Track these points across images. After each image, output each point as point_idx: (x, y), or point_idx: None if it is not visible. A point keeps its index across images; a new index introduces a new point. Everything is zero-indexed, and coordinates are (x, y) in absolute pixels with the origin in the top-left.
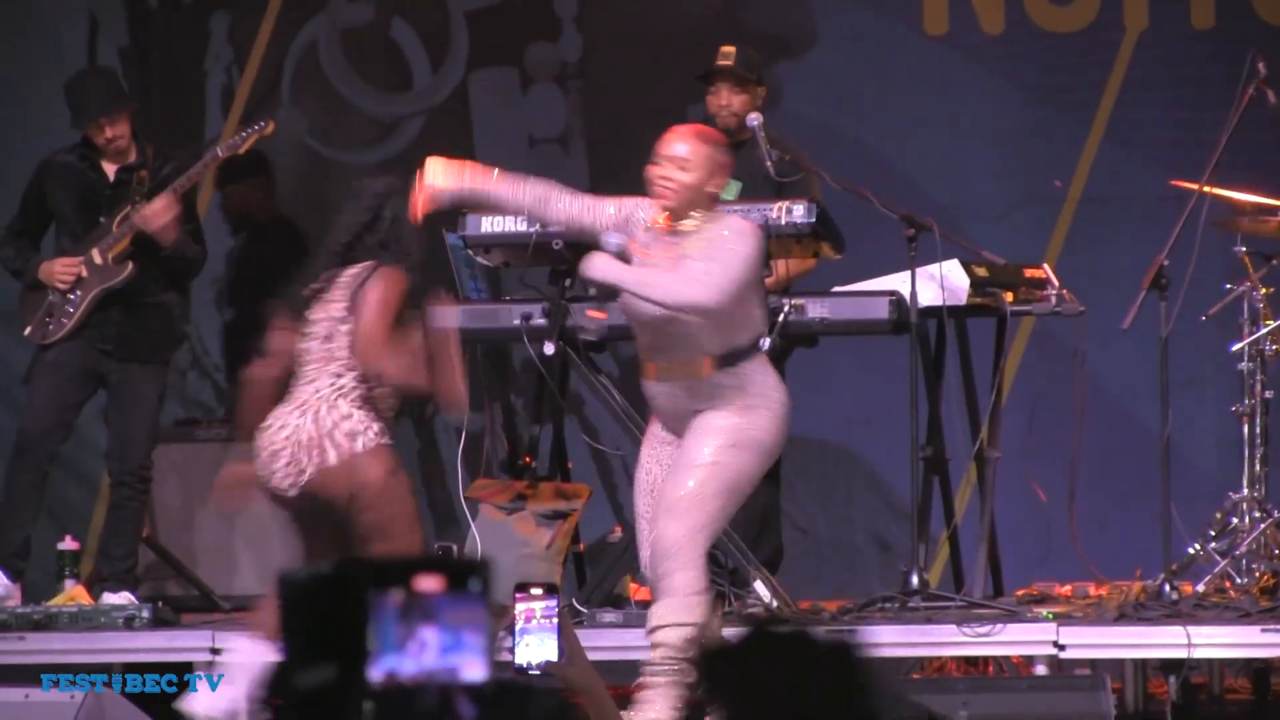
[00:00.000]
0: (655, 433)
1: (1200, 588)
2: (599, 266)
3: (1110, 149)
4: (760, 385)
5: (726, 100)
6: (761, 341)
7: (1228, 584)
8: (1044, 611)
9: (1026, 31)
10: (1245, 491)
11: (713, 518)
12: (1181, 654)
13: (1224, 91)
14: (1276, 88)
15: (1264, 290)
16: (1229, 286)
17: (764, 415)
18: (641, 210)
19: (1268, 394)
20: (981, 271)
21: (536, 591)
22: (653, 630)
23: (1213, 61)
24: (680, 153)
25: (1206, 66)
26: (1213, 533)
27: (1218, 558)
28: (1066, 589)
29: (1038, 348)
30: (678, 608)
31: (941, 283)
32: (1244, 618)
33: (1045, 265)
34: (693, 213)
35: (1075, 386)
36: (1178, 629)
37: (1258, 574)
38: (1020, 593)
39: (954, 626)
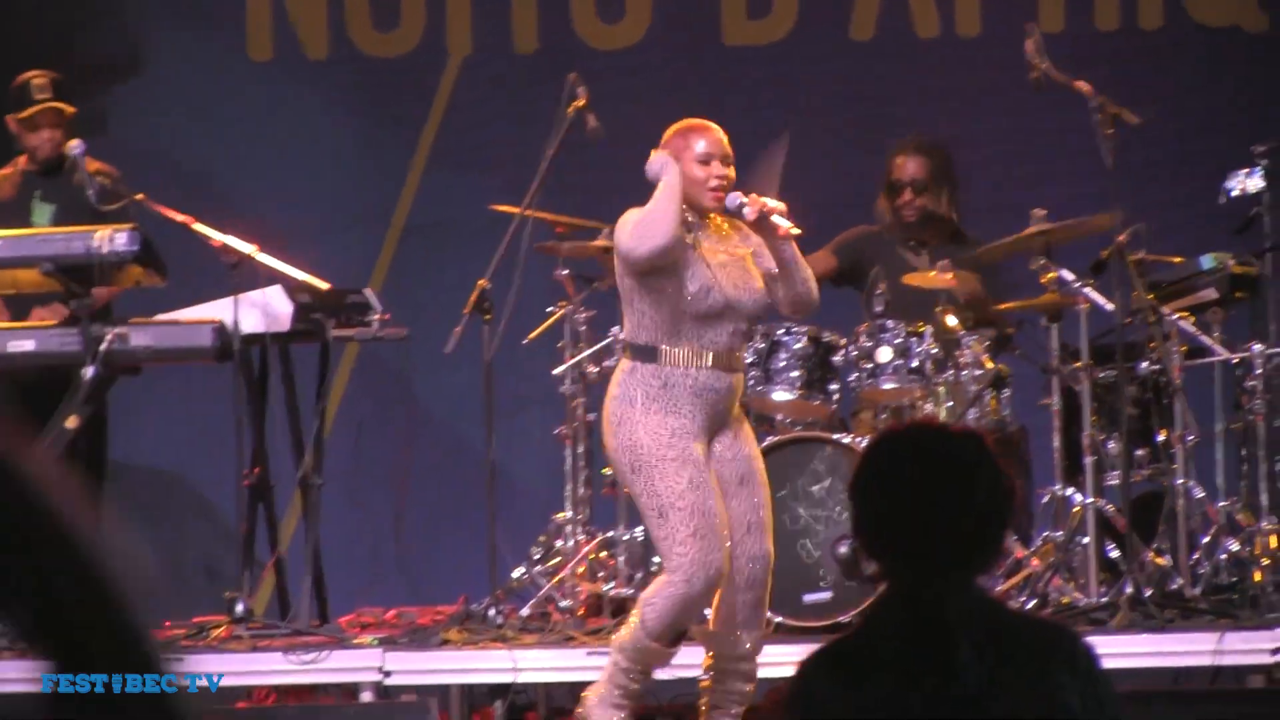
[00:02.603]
0: (697, 434)
1: (525, 611)
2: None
3: (436, 173)
4: None
5: (50, 135)
6: None
7: (552, 606)
8: (370, 638)
9: (351, 56)
10: (569, 514)
11: None
12: (508, 678)
13: (546, 115)
14: (595, 111)
15: (584, 313)
16: (551, 309)
17: None
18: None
19: (590, 416)
20: (304, 298)
21: None
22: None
23: (536, 85)
24: (726, 150)
25: (530, 90)
26: (538, 555)
27: (543, 580)
28: (392, 614)
29: (363, 373)
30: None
31: (264, 309)
32: (569, 640)
33: (367, 290)
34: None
35: (401, 410)
36: (503, 653)
37: (582, 596)
38: (347, 619)
39: (280, 654)
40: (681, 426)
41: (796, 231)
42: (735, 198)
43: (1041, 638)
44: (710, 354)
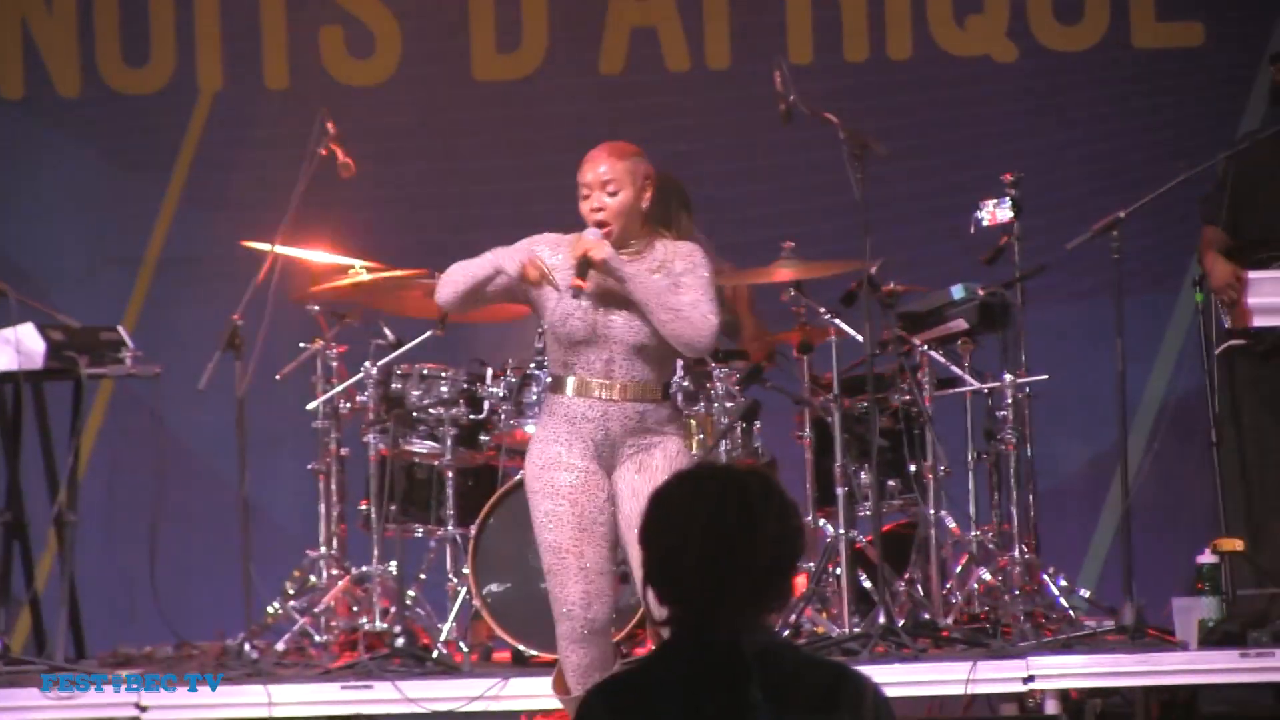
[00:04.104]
0: (573, 462)
1: (280, 646)
2: (607, 250)
3: (187, 210)
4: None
5: None
6: None
7: (307, 641)
8: (125, 674)
9: (102, 94)
10: (323, 549)
11: None
12: (263, 713)
13: (298, 151)
14: (346, 147)
15: (337, 348)
16: (303, 345)
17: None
18: (550, 250)
19: (343, 451)
20: (57, 335)
21: None
22: None
23: (286, 121)
24: (603, 175)
25: (280, 126)
26: (292, 590)
27: (297, 615)
28: (148, 650)
29: (117, 410)
30: None
31: (17, 347)
32: (323, 675)
33: (120, 327)
34: (631, 240)
35: (155, 447)
36: (258, 688)
37: (336, 631)
38: (103, 655)
39: (36, 690)
40: (555, 456)
41: (578, 284)
42: (590, 233)
43: (828, 679)
44: (581, 381)
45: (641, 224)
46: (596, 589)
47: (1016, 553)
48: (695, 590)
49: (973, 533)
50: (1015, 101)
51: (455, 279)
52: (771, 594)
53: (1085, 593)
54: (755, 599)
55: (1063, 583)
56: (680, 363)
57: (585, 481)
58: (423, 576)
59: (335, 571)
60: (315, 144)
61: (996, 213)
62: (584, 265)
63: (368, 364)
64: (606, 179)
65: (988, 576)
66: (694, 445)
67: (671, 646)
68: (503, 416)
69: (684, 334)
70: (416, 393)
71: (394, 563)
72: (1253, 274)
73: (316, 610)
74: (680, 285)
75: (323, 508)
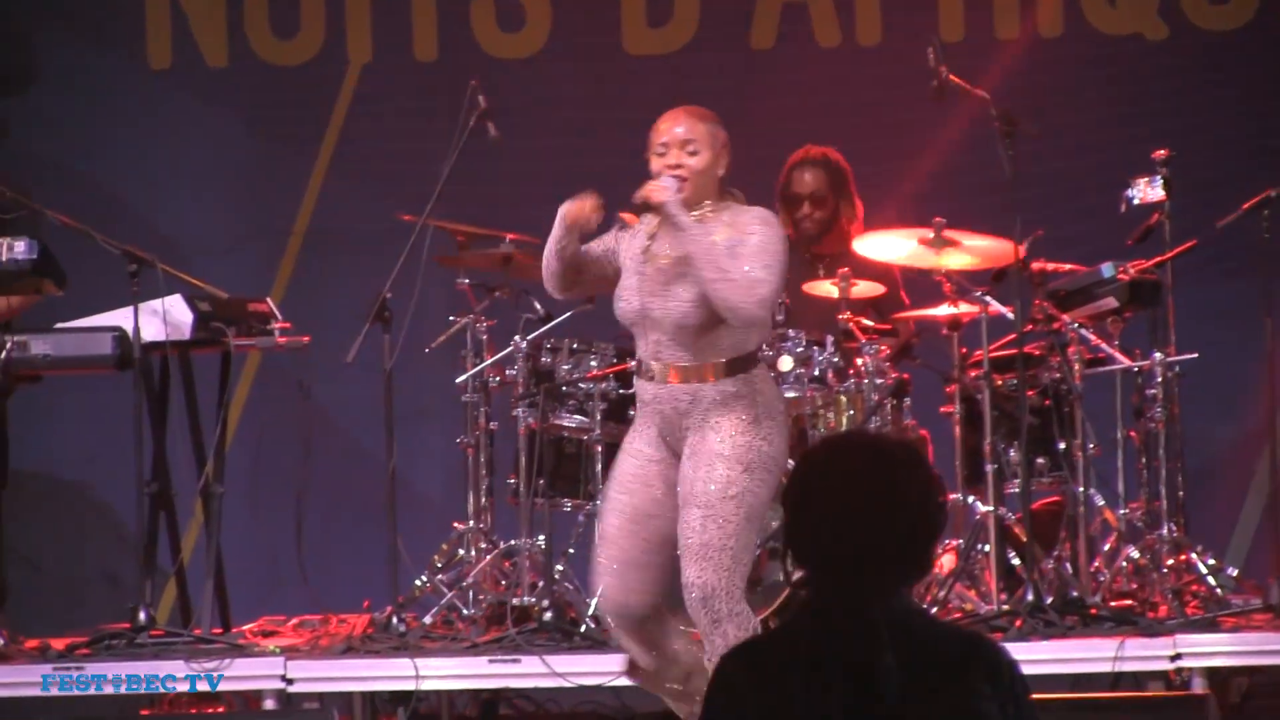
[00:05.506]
0: (640, 449)
1: (427, 619)
2: (670, 195)
3: (335, 182)
4: (768, 395)
5: None
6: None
7: (455, 615)
8: (271, 646)
9: (250, 65)
10: (471, 523)
11: (741, 554)
12: (410, 686)
13: (447, 124)
14: (496, 120)
15: (486, 322)
16: (453, 319)
17: (774, 428)
18: (627, 229)
19: (492, 425)
20: (205, 306)
21: None
22: None
23: (435, 94)
24: (683, 134)
25: (429, 99)
26: (440, 564)
27: (445, 589)
28: (294, 622)
29: (264, 381)
30: None
31: (165, 318)
32: (471, 649)
33: (268, 299)
34: (705, 200)
35: (302, 420)
36: (405, 661)
37: (484, 605)
38: (248, 627)
39: (182, 662)
40: (630, 440)
41: (626, 216)
42: (664, 179)
43: (962, 648)
44: (641, 364)
45: (716, 191)
46: (632, 581)
47: (1165, 531)
48: (833, 555)
49: (1121, 510)
50: (1166, 79)
51: (546, 261)
52: (910, 564)
53: (1233, 571)
54: (893, 568)
55: (1211, 561)
56: (830, 339)
57: (645, 471)
58: (571, 551)
59: (483, 545)
60: (466, 116)
61: (1147, 191)
62: (642, 206)
63: (517, 338)
64: (687, 138)
65: (1136, 554)
66: (844, 422)
67: (809, 611)
68: None
69: (729, 297)
70: (566, 367)
71: (542, 537)
72: None
73: (464, 584)
74: (737, 253)
75: (471, 481)
